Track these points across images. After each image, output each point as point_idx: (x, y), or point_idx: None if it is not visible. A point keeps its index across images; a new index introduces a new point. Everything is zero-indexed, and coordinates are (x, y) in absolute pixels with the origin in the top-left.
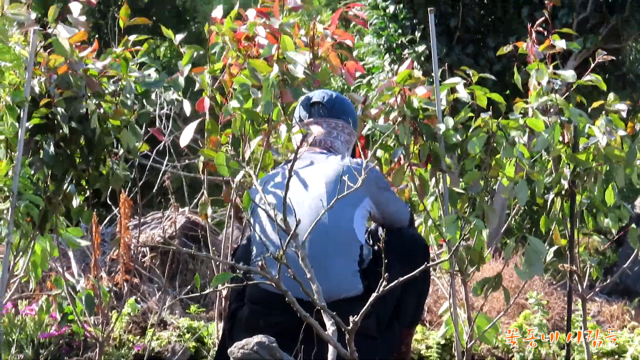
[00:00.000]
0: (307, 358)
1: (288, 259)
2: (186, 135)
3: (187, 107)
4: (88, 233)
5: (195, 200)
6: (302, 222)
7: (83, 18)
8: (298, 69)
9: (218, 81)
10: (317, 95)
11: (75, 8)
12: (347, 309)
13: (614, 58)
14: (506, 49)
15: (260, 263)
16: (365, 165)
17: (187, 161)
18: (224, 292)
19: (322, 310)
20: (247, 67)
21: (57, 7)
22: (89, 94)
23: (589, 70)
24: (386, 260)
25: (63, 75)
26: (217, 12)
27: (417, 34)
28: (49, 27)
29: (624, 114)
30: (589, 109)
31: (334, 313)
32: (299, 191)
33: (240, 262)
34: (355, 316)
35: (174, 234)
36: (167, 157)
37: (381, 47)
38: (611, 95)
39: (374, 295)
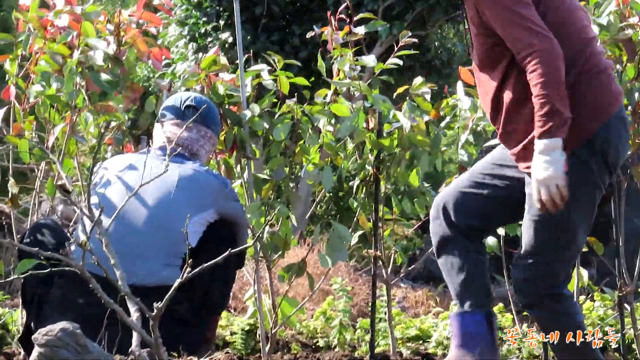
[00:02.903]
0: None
1: (113, 242)
2: None
3: None
4: None
5: None
6: (137, 212)
7: None
8: (97, 55)
9: (25, 69)
10: (191, 98)
11: None
12: (161, 297)
13: (416, 41)
14: (309, 35)
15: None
16: (222, 180)
17: None
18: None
19: (126, 296)
20: (46, 52)
21: None
22: None
23: (393, 53)
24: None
25: None
26: None
27: (221, 22)
28: None
29: (427, 97)
30: (394, 94)
31: (155, 298)
32: (151, 184)
33: (40, 245)
34: (160, 302)
35: None
36: None
37: (185, 36)
38: (417, 79)
39: (178, 281)
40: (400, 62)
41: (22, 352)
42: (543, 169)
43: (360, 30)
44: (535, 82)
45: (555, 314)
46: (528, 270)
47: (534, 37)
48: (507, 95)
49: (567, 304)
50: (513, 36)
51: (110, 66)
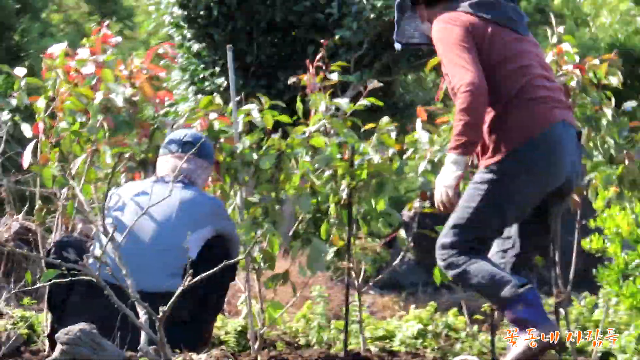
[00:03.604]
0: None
1: (124, 256)
2: (27, 156)
3: (26, 130)
4: None
5: (25, 208)
6: (146, 230)
7: None
8: (118, 98)
9: (51, 108)
10: (189, 135)
11: None
12: (166, 302)
13: (382, 84)
14: (291, 81)
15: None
16: (216, 201)
17: (20, 176)
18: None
19: (135, 301)
20: (72, 94)
21: None
22: None
23: (363, 95)
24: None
25: None
26: (53, 49)
27: (217, 69)
28: None
29: (393, 135)
30: (362, 130)
31: (160, 303)
32: (157, 206)
33: (64, 258)
34: (165, 307)
35: (9, 237)
36: None
37: (186, 80)
38: (385, 119)
39: (180, 288)
40: (369, 104)
41: (47, 349)
42: (448, 176)
43: (334, 76)
44: (458, 108)
45: (467, 264)
46: (447, 231)
47: (465, 74)
48: None
49: (475, 255)
50: (451, 71)
51: (126, 107)
